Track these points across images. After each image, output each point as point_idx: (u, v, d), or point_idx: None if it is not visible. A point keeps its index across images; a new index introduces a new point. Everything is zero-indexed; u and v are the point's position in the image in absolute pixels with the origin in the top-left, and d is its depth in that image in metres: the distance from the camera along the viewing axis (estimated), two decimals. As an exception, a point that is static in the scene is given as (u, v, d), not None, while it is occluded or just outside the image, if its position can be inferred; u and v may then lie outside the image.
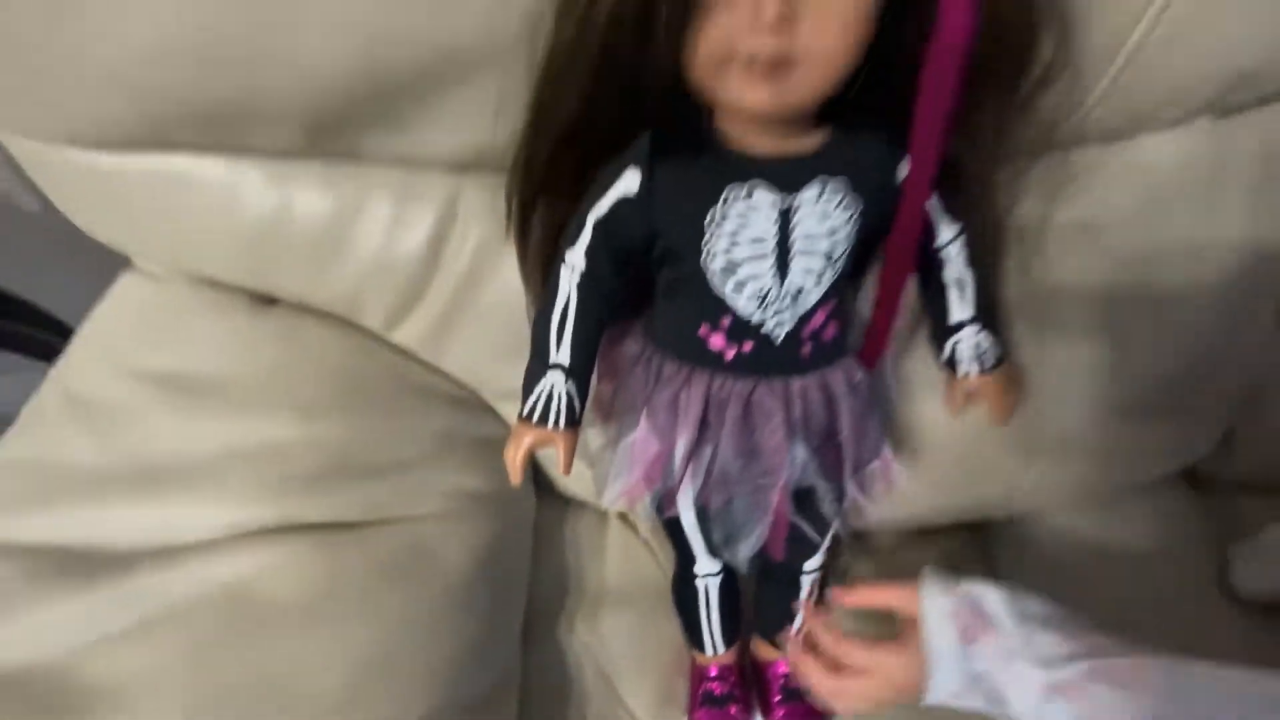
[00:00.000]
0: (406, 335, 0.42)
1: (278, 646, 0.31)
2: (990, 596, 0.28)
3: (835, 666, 0.31)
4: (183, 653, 0.31)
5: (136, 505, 0.34)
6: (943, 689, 0.28)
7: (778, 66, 0.23)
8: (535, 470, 0.49)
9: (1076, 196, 0.39)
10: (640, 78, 0.26)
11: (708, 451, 0.31)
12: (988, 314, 0.33)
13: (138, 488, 0.35)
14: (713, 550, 0.37)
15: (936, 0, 0.24)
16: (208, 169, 0.37)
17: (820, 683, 0.31)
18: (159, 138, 0.35)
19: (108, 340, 0.40)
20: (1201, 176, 0.39)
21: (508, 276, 0.38)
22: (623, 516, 0.50)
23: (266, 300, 0.42)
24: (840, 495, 0.33)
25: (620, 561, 0.47)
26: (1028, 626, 0.27)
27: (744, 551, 0.33)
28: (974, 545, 0.50)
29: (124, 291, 0.43)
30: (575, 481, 0.45)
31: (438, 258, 0.39)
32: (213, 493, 0.35)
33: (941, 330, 0.33)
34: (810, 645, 0.32)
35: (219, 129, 0.34)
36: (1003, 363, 0.33)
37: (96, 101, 0.32)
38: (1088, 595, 0.44)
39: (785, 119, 0.26)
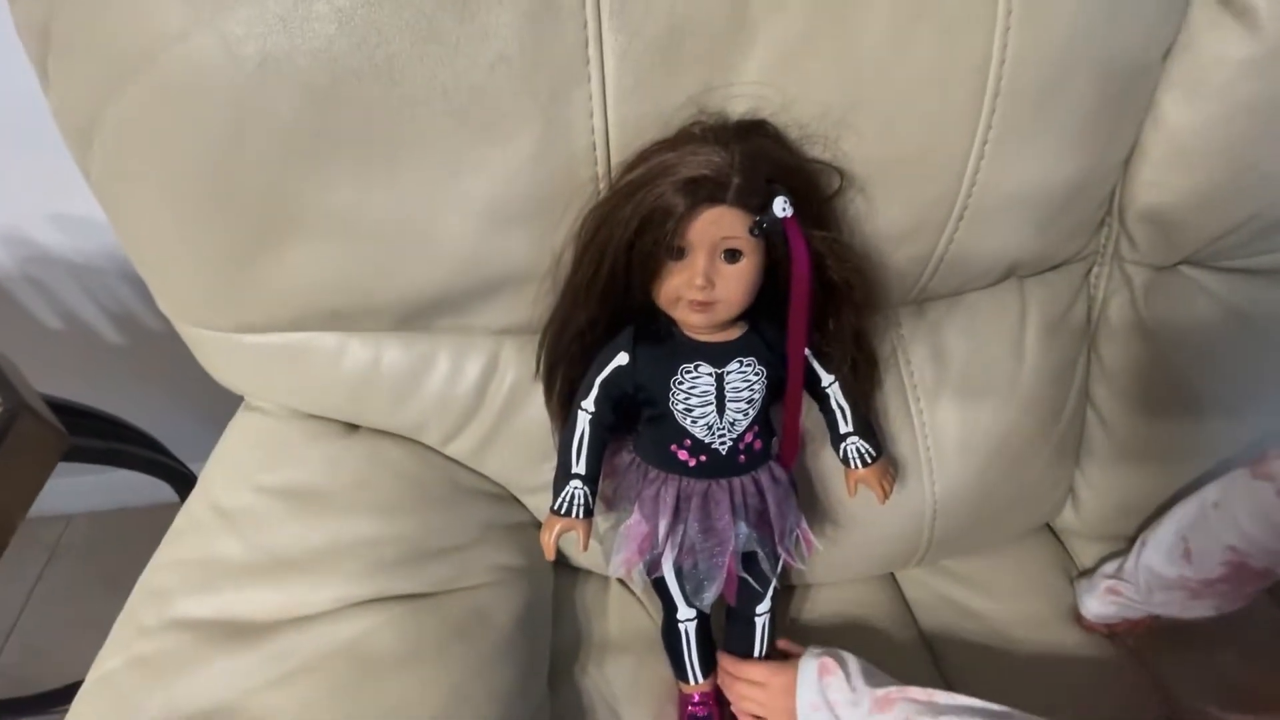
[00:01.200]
0: (457, 449, 0.57)
1: (385, 688, 0.44)
2: (849, 659, 0.46)
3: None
4: (319, 694, 0.43)
5: (273, 587, 0.47)
6: (804, 700, 0.44)
7: (706, 304, 0.40)
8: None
9: (928, 334, 0.56)
10: (625, 300, 0.43)
11: (680, 530, 0.46)
12: (864, 427, 0.49)
13: (273, 574, 0.48)
14: (688, 601, 0.52)
15: (791, 261, 0.41)
16: (324, 340, 0.52)
17: (732, 688, 0.47)
18: (294, 327, 0.51)
19: (236, 463, 0.54)
20: (1011, 319, 0.57)
21: (531, 411, 0.54)
22: (621, 582, 0.64)
23: (352, 427, 0.57)
24: (774, 557, 0.48)
25: (620, 617, 0.61)
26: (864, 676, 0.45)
27: (708, 599, 0.47)
28: (889, 587, 0.65)
29: (242, 425, 0.57)
30: (584, 556, 0.59)
31: (483, 395, 0.55)
32: (327, 575, 0.48)
33: (835, 439, 0.49)
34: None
35: (339, 321, 0.50)
36: (879, 458, 0.49)
37: (265, 309, 0.48)
38: (981, 623, 0.60)
39: (714, 328, 0.43)
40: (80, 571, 1.04)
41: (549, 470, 0.52)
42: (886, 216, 0.47)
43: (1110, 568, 0.59)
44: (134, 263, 0.48)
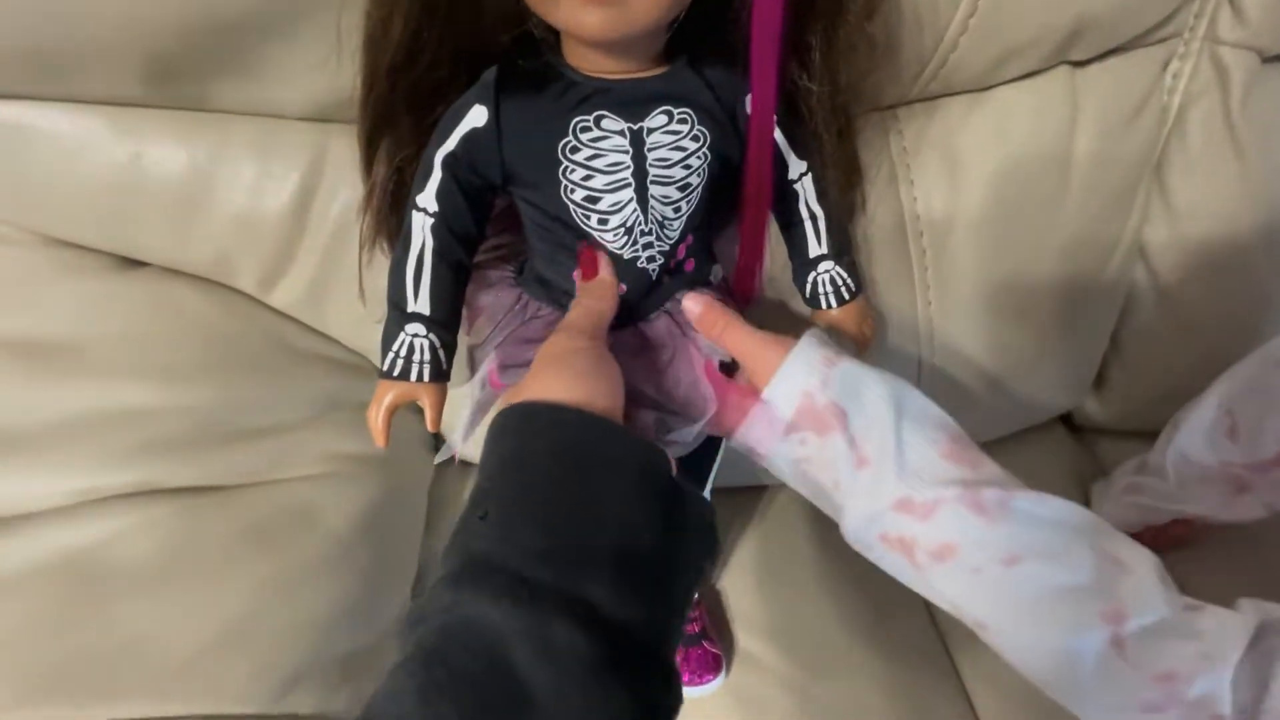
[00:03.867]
0: (283, 298, 0.41)
1: (125, 612, 0.30)
2: (871, 394, 0.27)
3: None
4: (19, 620, 0.29)
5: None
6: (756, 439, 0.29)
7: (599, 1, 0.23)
8: (435, 436, 0.49)
9: (944, 138, 0.40)
10: (475, 20, 0.26)
11: None
12: (842, 249, 0.34)
13: (-11, 455, 0.33)
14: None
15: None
16: (49, 119, 0.35)
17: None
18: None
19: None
20: (1056, 123, 0.41)
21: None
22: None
23: (132, 263, 0.41)
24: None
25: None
26: (907, 429, 0.27)
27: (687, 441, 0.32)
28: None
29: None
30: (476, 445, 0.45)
31: (305, 215, 0.38)
32: (63, 459, 0.34)
33: (802, 266, 0.34)
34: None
35: (53, 76, 0.33)
36: (858, 294, 0.34)
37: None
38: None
39: (625, 46, 0.26)
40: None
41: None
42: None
43: (1132, 464, 0.46)
44: None
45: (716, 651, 0.42)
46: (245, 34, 0.31)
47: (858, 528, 0.28)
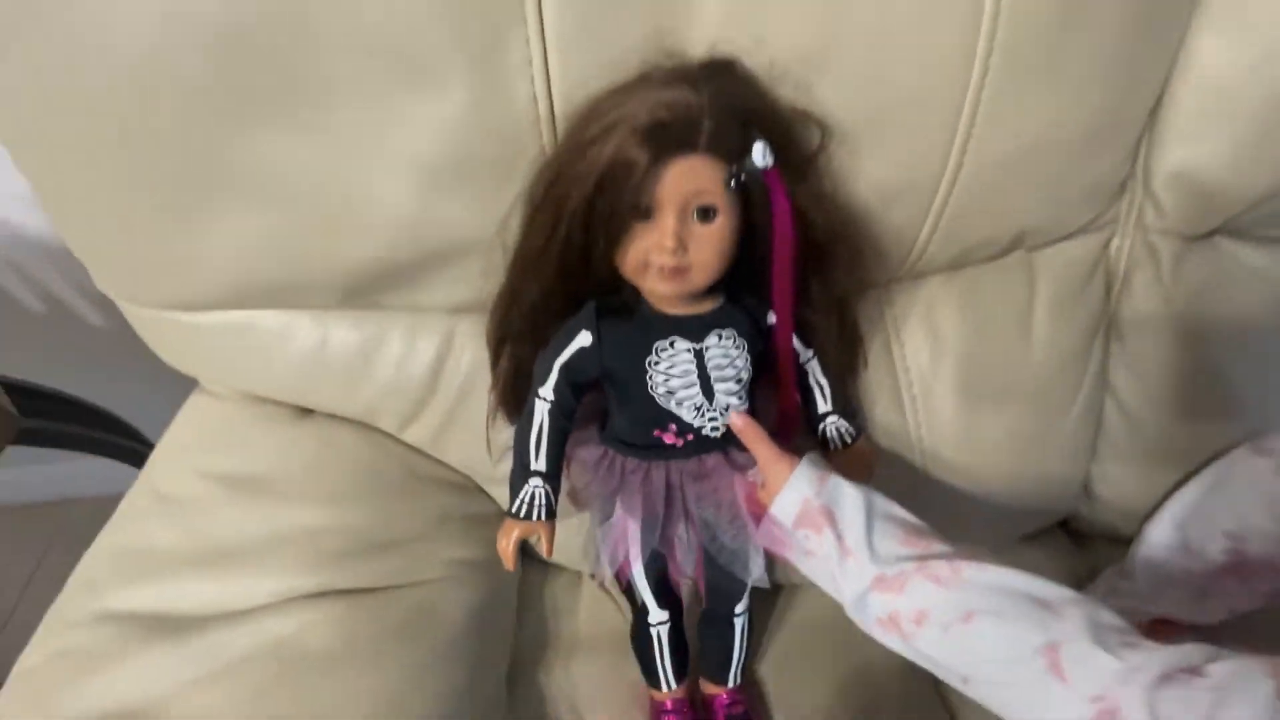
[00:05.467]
0: (415, 435, 0.54)
1: (316, 687, 0.41)
2: (848, 501, 0.37)
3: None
4: (245, 695, 0.40)
5: (209, 579, 0.44)
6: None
7: (678, 271, 0.35)
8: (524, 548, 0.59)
9: (925, 308, 0.51)
10: (584, 270, 0.38)
11: (675, 521, 0.42)
12: (844, 405, 0.44)
13: (209, 564, 0.45)
14: (659, 603, 0.47)
15: (773, 218, 0.36)
16: (267, 319, 0.49)
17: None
18: (233, 304, 0.48)
19: (183, 448, 0.52)
20: (1018, 296, 0.51)
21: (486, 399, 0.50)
22: (593, 576, 0.60)
23: (305, 411, 0.54)
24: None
25: (591, 615, 0.57)
26: (876, 525, 0.36)
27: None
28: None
29: (193, 408, 0.54)
30: (560, 553, 0.55)
31: (438, 378, 0.51)
32: (266, 567, 0.45)
33: (814, 419, 0.45)
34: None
35: (280, 297, 0.47)
36: (858, 439, 0.45)
37: (199, 284, 0.45)
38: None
39: (686, 298, 0.38)
40: (79, 557, 1.04)
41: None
42: (873, 173, 0.42)
43: (1113, 569, 0.53)
44: (64, 237, 0.46)
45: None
46: (416, 269, 0.45)
47: (855, 608, 0.37)
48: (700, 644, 0.51)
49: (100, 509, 0.49)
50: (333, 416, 0.54)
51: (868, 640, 0.38)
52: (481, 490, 0.56)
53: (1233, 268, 0.51)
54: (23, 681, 0.41)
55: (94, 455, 0.65)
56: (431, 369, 0.51)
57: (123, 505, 0.49)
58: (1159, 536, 0.48)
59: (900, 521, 0.37)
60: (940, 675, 0.35)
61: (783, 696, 0.53)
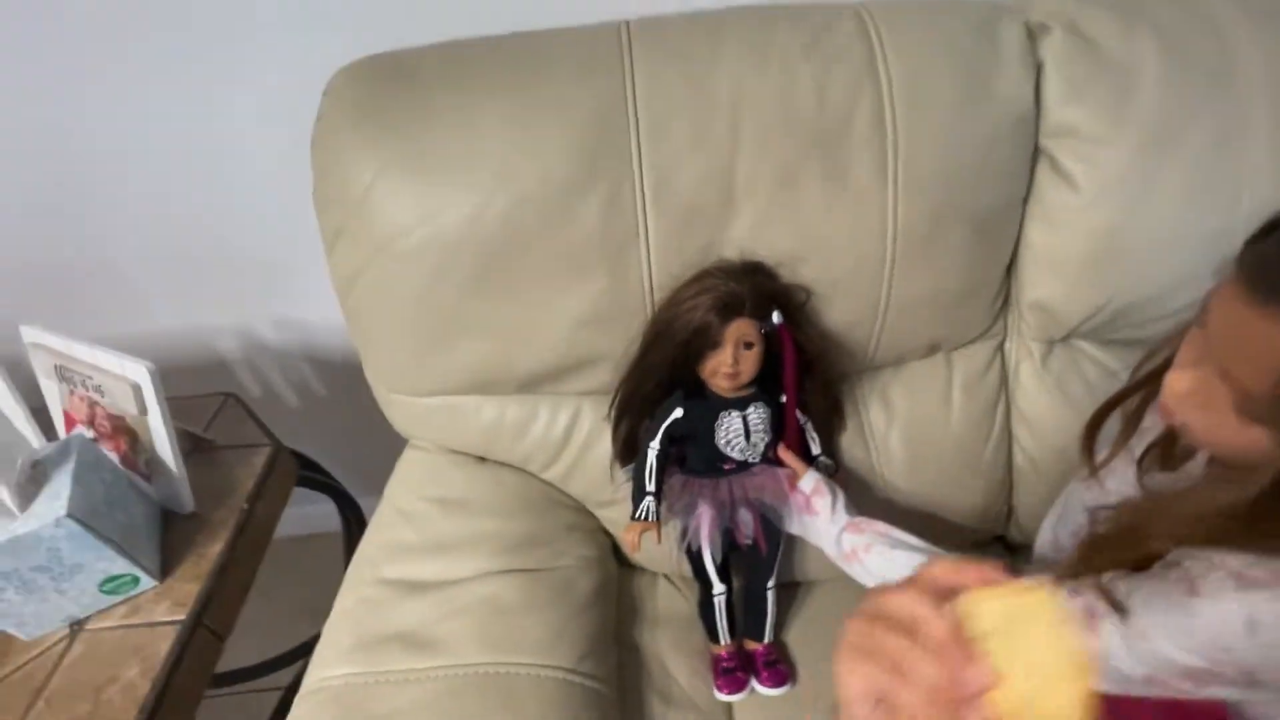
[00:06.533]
0: (551, 475, 0.83)
1: (513, 623, 0.68)
2: (827, 490, 0.67)
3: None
4: (471, 624, 0.68)
5: (435, 562, 0.73)
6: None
7: (733, 375, 0.65)
8: (615, 550, 0.87)
9: (880, 389, 0.79)
10: (678, 372, 0.68)
11: (726, 513, 0.70)
12: (828, 452, 0.72)
13: (435, 553, 0.73)
14: (720, 578, 0.74)
15: (784, 346, 0.66)
16: (467, 401, 0.80)
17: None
18: (448, 392, 0.79)
19: (409, 481, 0.82)
20: (940, 380, 0.79)
21: (599, 451, 0.79)
22: (666, 577, 0.86)
23: (481, 458, 0.84)
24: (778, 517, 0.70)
25: (664, 600, 0.83)
26: (839, 505, 0.66)
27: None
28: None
29: (409, 457, 0.85)
30: (638, 557, 0.83)
31: (569, 437, 0.81)
32: (469, 555, 0.74)
33: (810, 460, 0.72)
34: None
35: (478, 388, 0.78)
36: (837, 472, 0.72)
37: (437, 381, 0.76)
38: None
39: (737, 389, 0.68)
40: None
41: (612, 491, 0.78)
42: (837, 315, 0.72)
43: (1028, 567, 0.77)
44: (360, 350, 0.78)
45: (785, 669, 0.74)
46: (562, 372, 0.75)
47: (834, 544, 0.64)
48: (744, 612, 0.77)
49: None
50: (499, 462, 0.83)
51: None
52: (592, 514, 0.84)
53: (1082, 359, 0.78)
54: (343, 615, 0.69)
55: (315, 490, 0.96)
56: (565, 431, 0.81)
57: (375, 519, 0.79)
58: (1042, 539, 0.72)
59: (852, 510, 0.66)
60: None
61: (803, 652, 0.78)
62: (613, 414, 0.74)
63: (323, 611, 0.70)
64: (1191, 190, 0.67)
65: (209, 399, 0.90)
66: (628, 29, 0.68)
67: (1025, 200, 0.72)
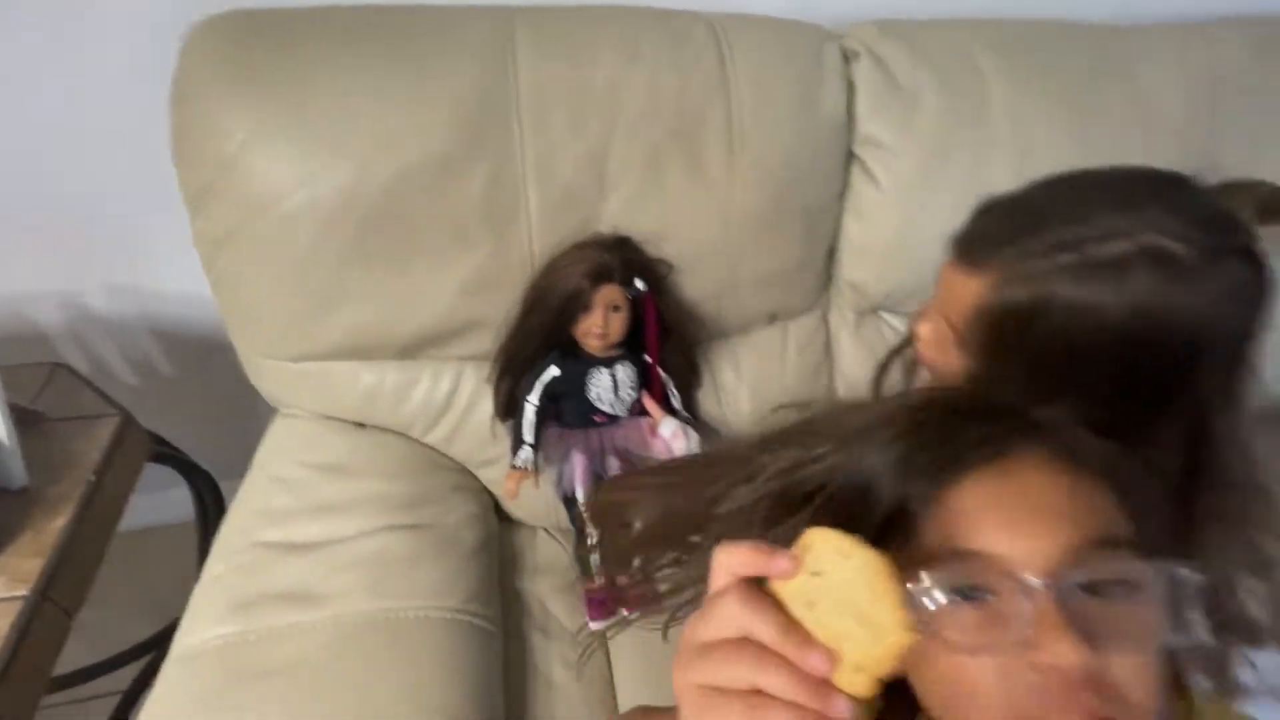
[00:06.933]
0: (433, 439, 0.86)
1: (402, 574, 0.71)
2: (691, 430, 0.76)
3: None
4: (362, 577, 0.70)
5: (318, 524, 0.74)
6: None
7: (602, 336, 0.73)
8: (497, 508, 0.92)
9: (729, 354, 0.92)
10: (553, 334, 0.75)
11: (600, 461, 0.78)
12: (687, 406, 0.83)
13: (317, 516, 0.74)
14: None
15: (647, 311, 0.75)
16: (343, 367, 0.81)
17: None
18: (324, 358, 0.79)
19: (282, 449, 0.81)
20: (777, 344, 0.94)
21: (481, 414, 0.83)
22: (545, 530, 0.93)
23: (359, 424, 0.85)
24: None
25: (543, 550, 0.90)
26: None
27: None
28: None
29: (280, 426, 0.83)
30: (520, 510, 0.89)
31: (450, 402, 0.84)
32: (352, 515, 0.75)
33: (672, 412, 0.83)
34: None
35: (357, 354, 0.79)
36: (694, 425, 0.84)
37: (315, 347, 0.77)
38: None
39: (607, 349, 0.76)
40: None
41: (493, 452, 0.84)
42: (694, 288, 0.83)
43: None
44: (226, 315, 0.76)
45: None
46: (444, 337, 0.79)
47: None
48: (614, 553, 0.86)
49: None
50: (380, 428, 0.85)
51: None
52: (474, 474, 0.89)
53: (883, 326, 0.97)
54: (214, 581, 0.68)
55: (167, 467, 0.90)
56: (447, 395, 0.84)
57: (244, 489, 0.77)
58: None
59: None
60: None
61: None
62: (494, 375, 0.79)
63: (162, 609, 0.68)
64: (958, 194, 0.86)
65: (32, 368, 0.82)
66: (513, 15, 0.73)
67: (843, 196, 0.88)
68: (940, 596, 0.27)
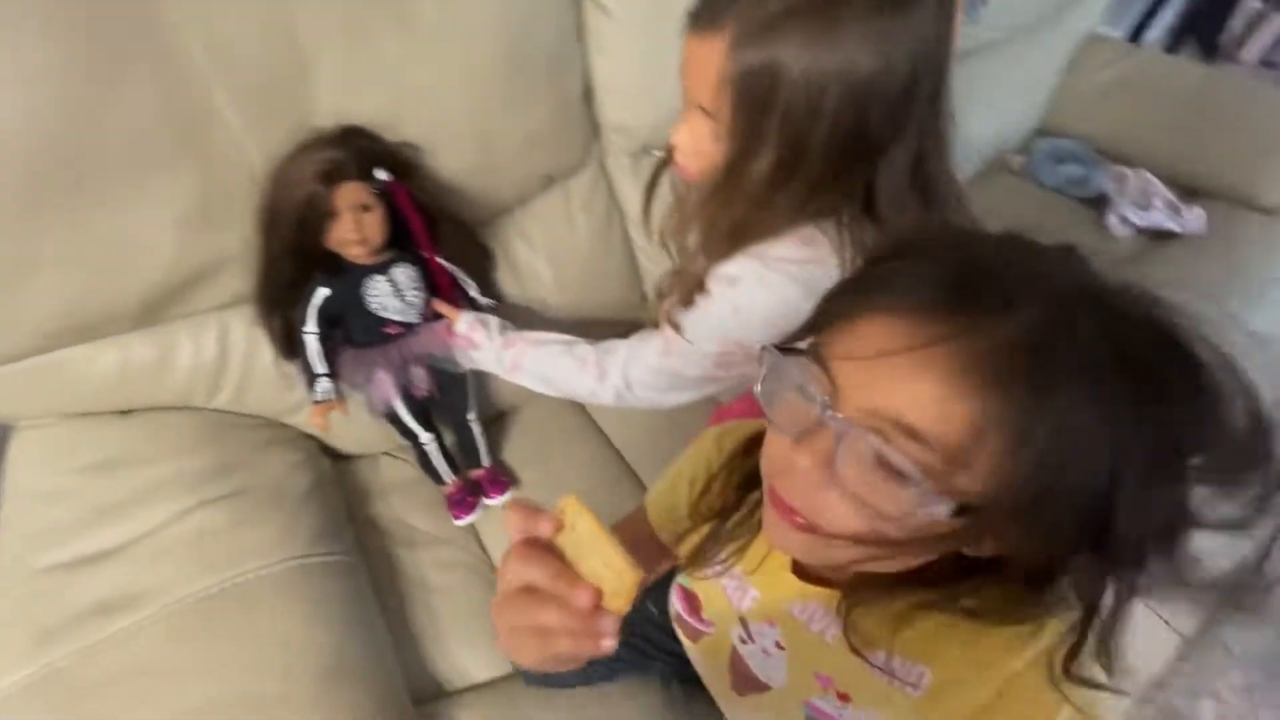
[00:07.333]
0: (223, 400, 0.78)
1: (230, 540, 0.67)
2: (491, 320, 0.77)
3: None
4: (182, 561, 0.65)
5: (113, 525, 0.66)
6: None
7: (361, 241, 0.67)
8: (327, 449, 0.87)
9: (517, 230, 0.90)
10: (307, 253, 0.68)
11: (406, 371, 0.75)
12: (487, 290, 0.81)
13: (108, 517, 0.66)
14: (424, 426, 0.81)
15: (401, 203, 0.70)
16: (74, 354, 0.69)
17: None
18: (44, 349, 0.67)
19: (38, 462, 0.70)
20: (561, 206, 0.93)
21: (266, 358, 0.76)
22: (386, 453, 0.91)
23: (125, 411, 0.75)
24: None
25: (390, 473, 0.88)
26: (503, 328, 0.77)
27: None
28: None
29: (24, 441, 0.71)
30: (353, 444, 0.86)
31: (226, 358, 0.76)
32: (153, 504, 0.68)
33: (472, 302, 0.81)
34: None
35: (84, 334, 0.67)
36: (499, 307, 0.83)
37: (13, 340, 0.64)
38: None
39: (374, 254, 0.70)
40: None
41: (295, 395, 0.78)
42: (453, 165, 0.78)
43: None
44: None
45: (506, 479, 0.88)
46: (186, 286, 0.69)
47: (502, 371, 0.75)
48: (459, 449, 0.87)
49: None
50: (152, 408, 0.75)
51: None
52: (283, 424, 0.83)
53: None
54: (2, 625, 0.60)
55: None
56: (218, 353, 0.76)
57: (4, 512, 0.67)
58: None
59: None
60: (534, 385, 0.75)
61: (521, 463, 0.92)
62: (262, 315, 0.72)
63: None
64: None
65: None
66: None
67: (582, 35, 0.84)
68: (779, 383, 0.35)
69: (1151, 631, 1.06)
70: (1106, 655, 0.33)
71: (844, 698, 0.44)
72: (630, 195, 0.97)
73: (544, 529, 0.33)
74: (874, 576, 0.37)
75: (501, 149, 0.80)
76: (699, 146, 0.55)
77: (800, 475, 0.33)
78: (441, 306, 0.76)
